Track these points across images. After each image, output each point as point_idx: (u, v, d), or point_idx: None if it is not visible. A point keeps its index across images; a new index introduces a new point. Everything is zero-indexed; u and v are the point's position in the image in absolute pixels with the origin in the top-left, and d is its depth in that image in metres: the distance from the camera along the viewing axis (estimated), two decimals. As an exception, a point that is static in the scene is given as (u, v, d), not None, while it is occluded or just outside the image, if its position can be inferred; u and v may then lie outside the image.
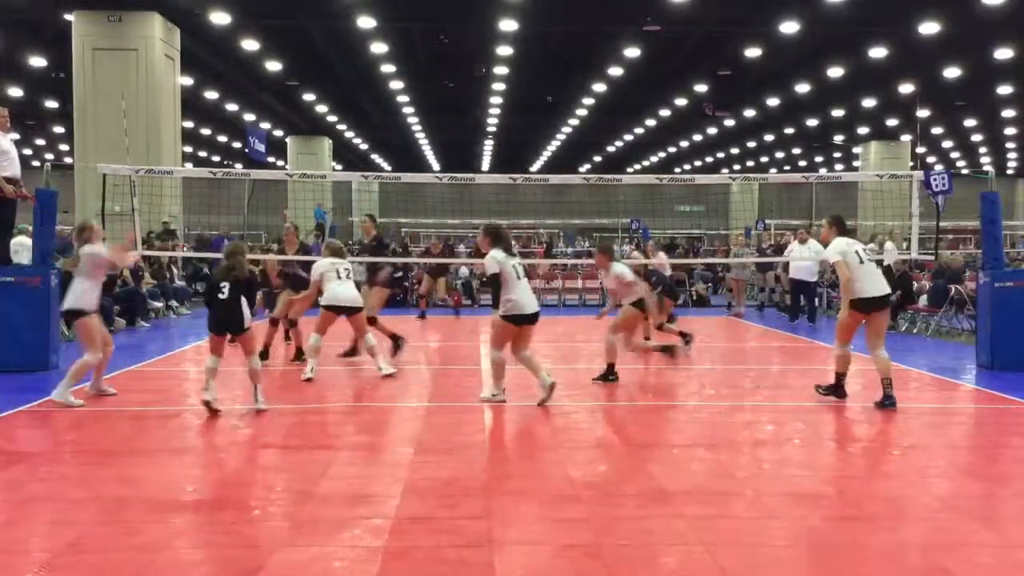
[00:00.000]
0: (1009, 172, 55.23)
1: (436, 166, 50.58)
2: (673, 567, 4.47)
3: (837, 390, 8.73)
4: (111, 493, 5.62)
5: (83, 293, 8.41)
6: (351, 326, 10.35)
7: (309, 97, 31.70)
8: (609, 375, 9.80)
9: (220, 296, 8.13)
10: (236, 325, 8.19)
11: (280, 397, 9.31)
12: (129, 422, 7.82)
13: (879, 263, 19.27)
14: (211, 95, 30.92)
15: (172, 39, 21.20)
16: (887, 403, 8.34)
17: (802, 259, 16.62)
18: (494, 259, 8.35)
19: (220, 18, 20.81)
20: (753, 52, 24.42)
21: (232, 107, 33.44)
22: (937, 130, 39.10)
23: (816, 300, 17.82)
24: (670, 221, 39.78)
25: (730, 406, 8.75)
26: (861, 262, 8.50)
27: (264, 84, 29.32)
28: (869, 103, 31.79)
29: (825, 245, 9.21)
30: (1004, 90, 29.96)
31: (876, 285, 8.48)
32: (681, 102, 32.04)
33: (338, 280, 10.02)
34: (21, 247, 12.73)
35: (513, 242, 9.84)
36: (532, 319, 8.45)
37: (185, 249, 21.67)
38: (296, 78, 28.79)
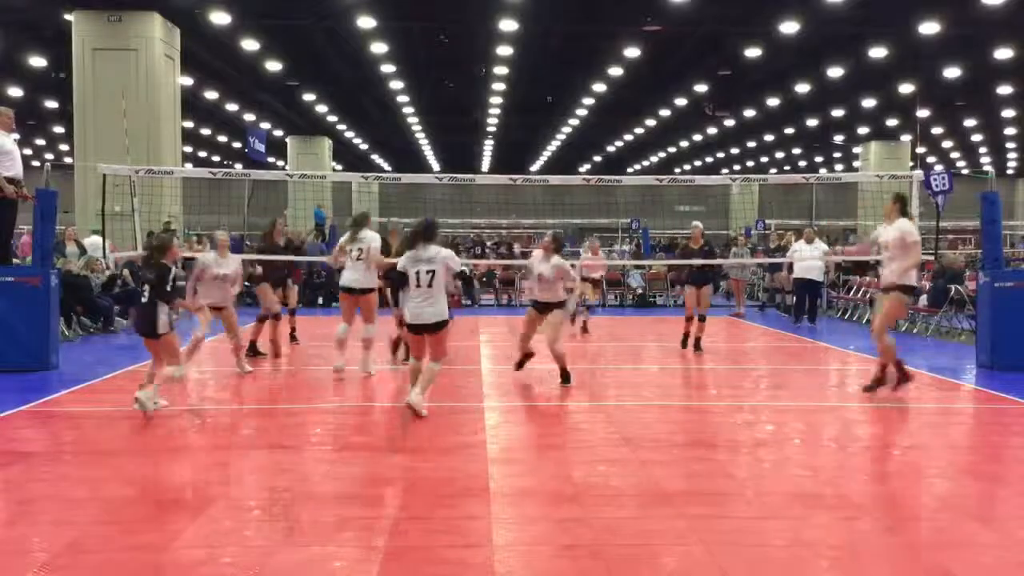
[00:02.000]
0: (1009, 172, 55.21)
1: (436, 166, 50.57)
2: (673, 567, 4.47)
3: (906, 377, 8.92)
4: (111, 493, 5.62)
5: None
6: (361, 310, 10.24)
7: (309, 97, 31.69)
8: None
9: (142, 298, 7.90)
10: (149, 328, 7.80)
11: (280, 397, 9.32)
12: (129, 422, 7.81)
13: (879, 262, 19.31)
14: (211, 95, 30.91)
15: (172, 39, 21.19)
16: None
17: (811, 259, 16.50)
18: (402, 259, 8.22)
19: (220, 18, 20.80)
20: (753, 52, 24.40)
21: (232, 107, 33.43)
22: (937, 130, 39.09)
23: (819, 300, 17.71)
24: (670, 221, 39.76)
25: (730, 406, 8.76)
26: None
27: (264, 84, 29.31)
28: (869, 103, 31.78)
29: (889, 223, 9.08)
30: (1004, 90, 29.95)
31: None
32: (681, 102, 32.03)
33: (351, 262, 9.93)
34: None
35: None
36: (416, 330, 7.95)
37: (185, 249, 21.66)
38: (296, 78, 28.78)
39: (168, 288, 7.85)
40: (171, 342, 7.94)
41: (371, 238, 10.02)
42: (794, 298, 17.63)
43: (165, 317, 7.79)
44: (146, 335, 7.90)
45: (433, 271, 7.80)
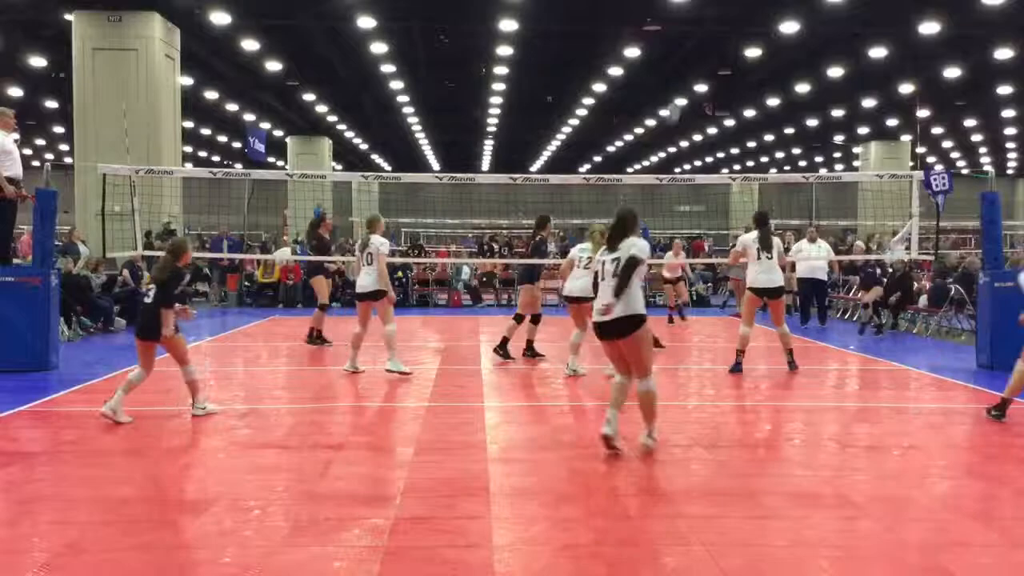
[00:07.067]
0: (1009, 172, 55.17)
1: (436, 166, 50.58)
2: (673, 567, 4.47)
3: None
4: (111, 493, 5.62)
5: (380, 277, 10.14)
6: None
7: (309, 97, 31.69)
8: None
9: (146, 299, 7.75)
10: (151, 331, 7.58)
11: (280, 397, 9.32)
12: (129, 422, 7.81)
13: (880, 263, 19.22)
14: (211, 95, 30.90)
15: (172, 39, 21.18)
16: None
17: (817, 258, 16.37)
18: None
19: (220, 18, 20.79)
20: (753, 52, 24.39)
21: (232, 107, 33.43)
22: (937, 130, 39.06)
23: (827, 300, 17.58)
24: (670, 221, 39.73)
25: (730, 406, 8.75)
26: (758, 258, 10.54)
27: (264, 84, 29.30)
28: (869, 103, 31.76)
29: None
30: (1004, 90, 29.93)
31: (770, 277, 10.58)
32: (681, 102, 32.02)
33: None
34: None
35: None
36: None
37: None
38: (296, 78, 28.77)
39: (175, 291, 7.64)
40: (176, 343, 7.69)
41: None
42: (797, 299, 17.48)
43: (170, 320, 7.53)
44: (146, 338, 7.62)
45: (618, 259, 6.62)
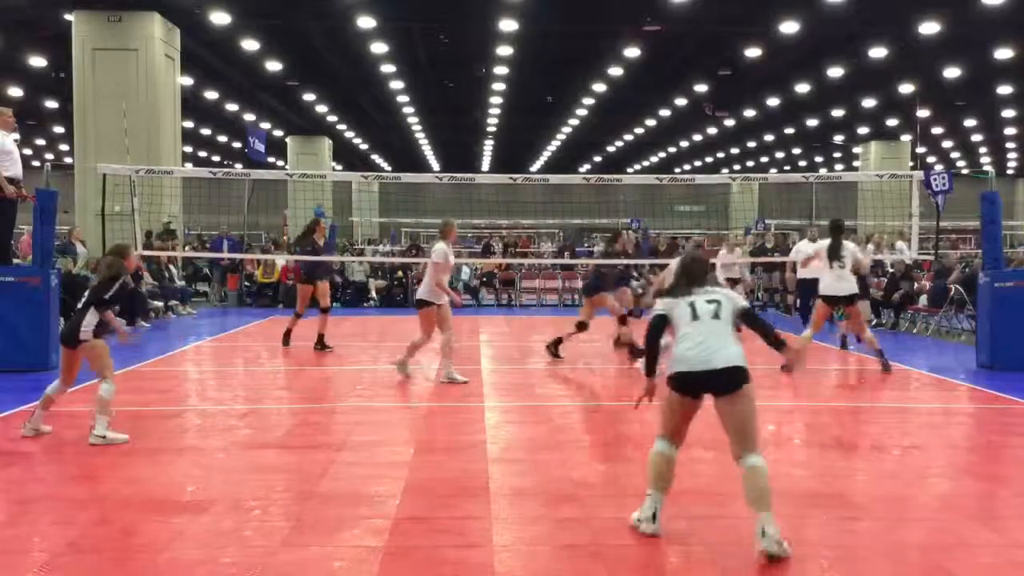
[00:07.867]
0: (1009, 172, 55.20)
1: (436, 166, 50.59)
2: (673, 567, 4.47)
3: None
4: (111, 493, 5.62)
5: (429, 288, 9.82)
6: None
7: (309, 97, 31.70)
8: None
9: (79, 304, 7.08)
10: (68, 335, 7.02)
11: (280, 397, 9.32)
12: (129, 422, 7.80)
13: (878, 262, 19.19)
14: (211, 95, 30.91)
15: (172, 39, 21.18)
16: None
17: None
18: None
19: (220, 18, 20.79)
20: (753, 52, 24.40)
21: (232, 107, 33.43)
22: (937, 130, 39.06)
23: None
24: (670, 221, 39.73)
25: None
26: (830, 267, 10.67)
27: (264, 84, 29.31)
28: (869, 103, 31.77)
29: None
30: (1004, 90, 29.94)
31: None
32: (681, 102, 32.03)
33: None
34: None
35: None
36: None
37: (187, 249, 21.72)
38: (296, 78, 28.77)
39: (107, 296, 7.02)
40: (95, 351, 6.97)
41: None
42: (798, 300, 17.33)
43: (89, 325, 6.92)
44: (64, 343, 7.00)
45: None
